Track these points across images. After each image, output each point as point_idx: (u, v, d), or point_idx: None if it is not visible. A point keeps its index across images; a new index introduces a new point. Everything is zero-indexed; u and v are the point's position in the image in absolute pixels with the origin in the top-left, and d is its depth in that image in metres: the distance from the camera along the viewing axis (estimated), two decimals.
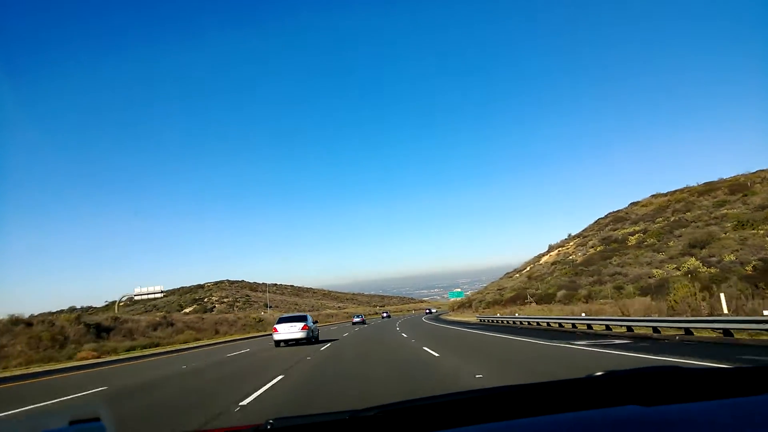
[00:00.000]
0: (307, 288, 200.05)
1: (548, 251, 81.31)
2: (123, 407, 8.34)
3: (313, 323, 26.14)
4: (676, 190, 75.99)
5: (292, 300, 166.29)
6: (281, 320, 24.36)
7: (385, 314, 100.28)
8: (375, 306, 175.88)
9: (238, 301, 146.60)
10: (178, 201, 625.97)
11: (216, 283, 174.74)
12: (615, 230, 66.35)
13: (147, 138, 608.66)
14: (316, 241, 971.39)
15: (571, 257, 63.75)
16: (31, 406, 9.22)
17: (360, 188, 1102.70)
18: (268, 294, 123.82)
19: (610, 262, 51.28)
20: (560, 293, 43.85)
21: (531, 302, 45.44)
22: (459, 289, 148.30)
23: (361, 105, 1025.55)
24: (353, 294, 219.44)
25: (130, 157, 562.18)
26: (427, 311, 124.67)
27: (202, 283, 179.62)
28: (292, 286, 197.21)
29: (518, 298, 47.54)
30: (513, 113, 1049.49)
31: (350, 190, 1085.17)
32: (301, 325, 23.41)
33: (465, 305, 59.11)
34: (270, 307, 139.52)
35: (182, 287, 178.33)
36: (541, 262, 75.39)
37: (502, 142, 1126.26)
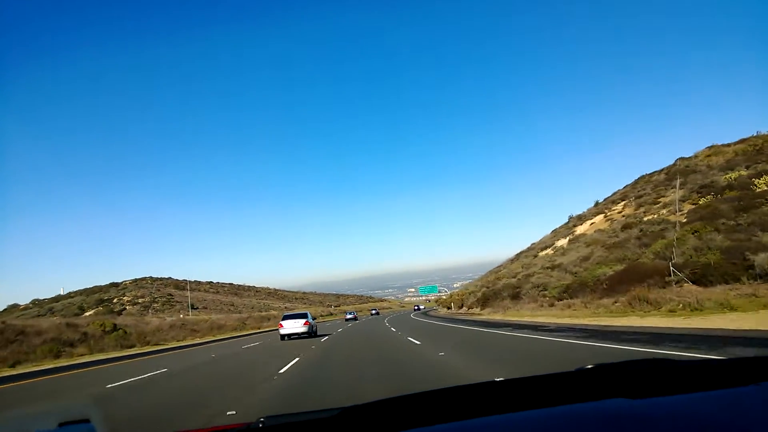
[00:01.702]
0: (248, 286, 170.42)
1: (577, 222, 58.01)
2: None
3: (313, 320, 29.82)
4: (745, 138, 55.90)
5: (229, 299, 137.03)
6: (285, 317, 27.92)
7: (373, 311, 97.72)
8: (329, 306, 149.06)
9: (157, 302, 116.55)
10: (109, 196, 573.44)
11: (135, 280, 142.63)
12: (704, 182, 43.79)
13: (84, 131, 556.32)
14: (267, 243, 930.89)
15: (651, 217, 40.30)
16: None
17: (314, 192, 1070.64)
18: (189, 292, 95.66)
19: None
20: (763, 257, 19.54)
21: (680, 281, 21.07)
22: (433, 284, 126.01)
23: (327, 100, 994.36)
24: (303, 293, 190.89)
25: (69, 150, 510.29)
26: (416, 308, 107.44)
27: (119, 281, 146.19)
28: (230, 284, 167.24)
29: (641, 277, 23.06)
30: (478, 115, 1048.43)
31: (304, 193, 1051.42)
32: (303, 321, 26.89)
33: (493, 297, 33.25)
34: (195, 308, 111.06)
35: (95, 286, 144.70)
36: (578, 232, 51.88)
37: (450, 147, 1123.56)
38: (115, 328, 28.39)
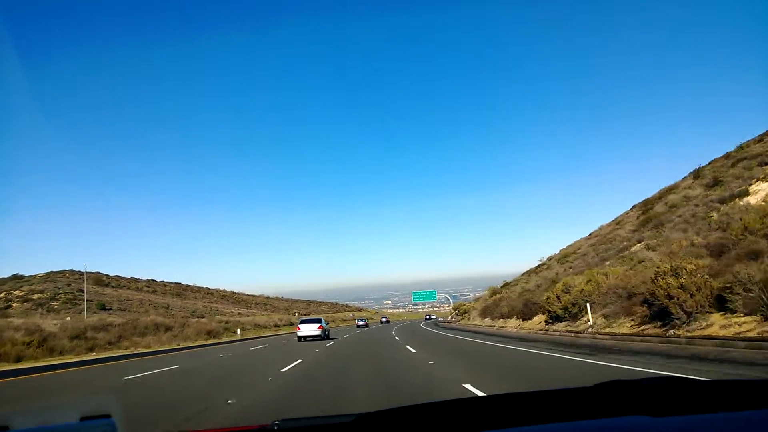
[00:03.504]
0: (198, 287, 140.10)
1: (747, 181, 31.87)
2: None
3: (326, 324, 35.23)
4: None
5: (165, 301, 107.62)
6: (303, 321, 33.91)
7: (384, 319, 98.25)
8: (294, 314, 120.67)
9: (57, 299, 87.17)
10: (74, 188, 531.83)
11: (49, 273, 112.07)
12: None
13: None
14: (233, 248, 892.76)
15: None
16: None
17: (303, 199, 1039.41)
18: (86, 283, 66.79)
19: None
20: None
21: None
22: (431, 290, 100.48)
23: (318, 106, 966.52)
24: (267, 298, 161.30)
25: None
26: (427, 317, 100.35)
27: (31, 274, 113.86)
28: (177, 283, 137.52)
29: None
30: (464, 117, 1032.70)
31: (289, 199, 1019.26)
32: (317, 325, 32.56)
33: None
34: (108, 309, 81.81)
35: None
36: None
37: (425, 158, 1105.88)
38: None
